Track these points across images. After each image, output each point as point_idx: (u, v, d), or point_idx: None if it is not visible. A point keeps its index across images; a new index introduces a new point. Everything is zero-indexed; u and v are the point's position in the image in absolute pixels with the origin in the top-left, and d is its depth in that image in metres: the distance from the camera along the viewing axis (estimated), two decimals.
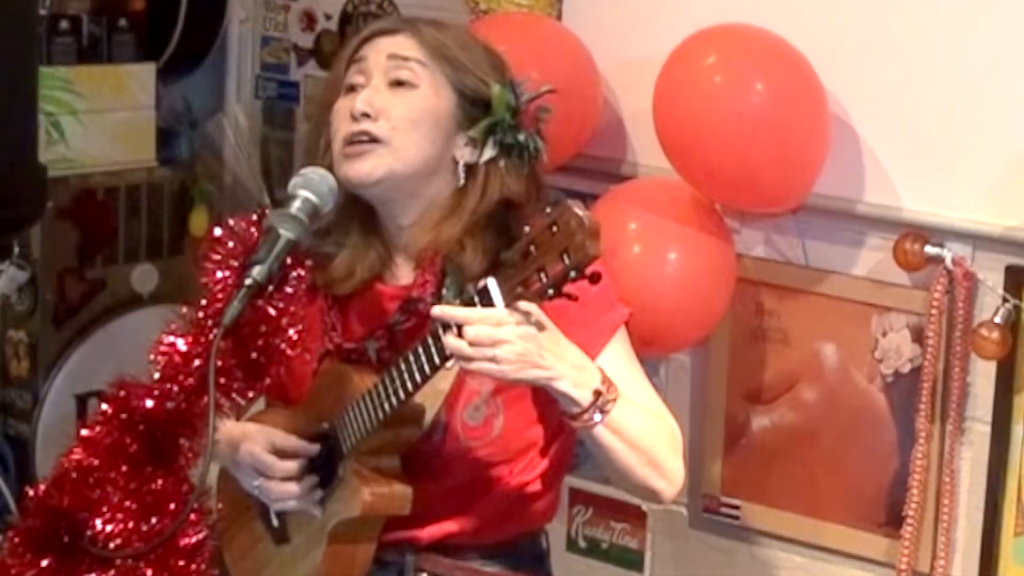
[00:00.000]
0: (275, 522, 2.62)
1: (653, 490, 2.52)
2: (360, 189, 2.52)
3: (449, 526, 2.56)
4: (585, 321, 2.40)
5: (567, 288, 2.22)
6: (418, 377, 2.38)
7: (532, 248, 2.23)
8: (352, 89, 2.55)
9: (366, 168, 2.50)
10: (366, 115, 2.50)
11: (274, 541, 2.64)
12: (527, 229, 2.26)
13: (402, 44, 2.54)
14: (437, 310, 2.34)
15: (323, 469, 2.53)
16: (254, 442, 2.53)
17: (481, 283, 2.30)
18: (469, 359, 2.31)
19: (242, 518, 2.66)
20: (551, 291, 2.23)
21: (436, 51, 2.53)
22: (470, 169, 2.54)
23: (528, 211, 2.50)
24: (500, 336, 2.29)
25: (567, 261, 2.20)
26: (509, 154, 2.53)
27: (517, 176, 2.54)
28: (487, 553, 2.59)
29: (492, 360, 2.30)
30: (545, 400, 2.49)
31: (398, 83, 2.52)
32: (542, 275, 2.22)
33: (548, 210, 2.24)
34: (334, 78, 2.60)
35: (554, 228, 2.21)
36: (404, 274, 2.58)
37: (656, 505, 3.33)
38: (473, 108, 2.54)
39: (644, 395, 2.54)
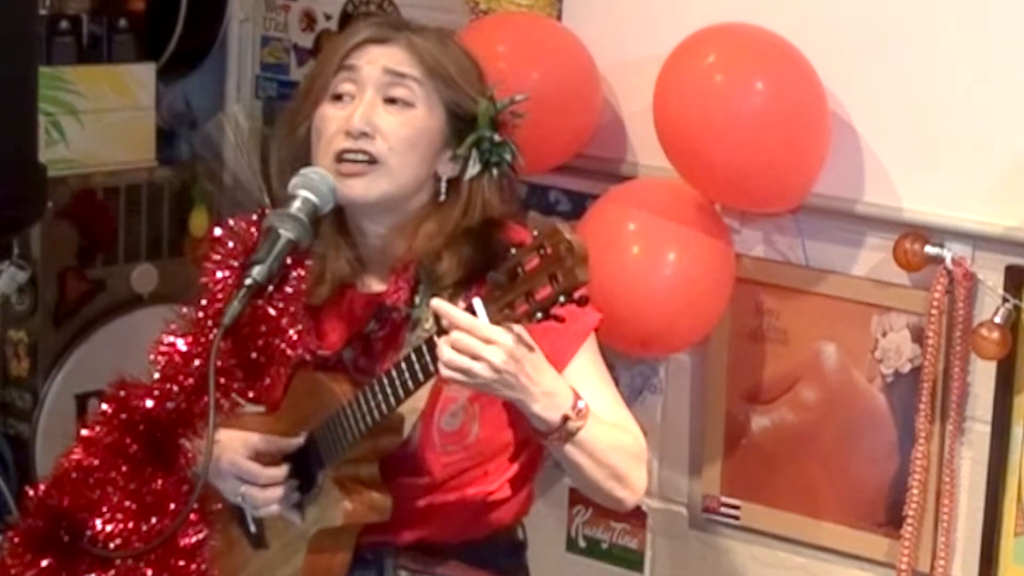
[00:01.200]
0: (252, 527, 2.63)
1: (616, 499, 2.54)
2: (350, 206, 2.52)
3: (425, 529, 2.57)
4: (556, 328, 2.36)
5: (555, 311, 2.22)
6: (401, 393, 2.40)
7: (519, 270, 2.23)
8: (339, 97, 2.53)
9: (360, 189, 2.49)
10: (364, 134, 2.48)
11: (252, 546, 2.65)
12: (513, 251, 2.26)
13: (398, 58, 2.52)
14: (436, 302, 2.33)
15: (302, 476, 2.54)
16: (234, 451, 2.54)
17: (466, 303, 2.30)
18: (448, 366, 2.31)
19: (218, 521, 2.65)
20: (539, 314, 2.23)
21: (432, 69, 2.52)
22: (452, 183, 2.53)
23: (507, 223, 2.51)
24: (483, 354, 2.29)
25: (556, 286, 2.19)
26: (491, 169, 2.52)
27: (500, 191, 2.53)
28: (464, 550, 2.60)
29: (467, 373, 2.31)
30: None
31: (392, 100, 2.51)
32: (530, 298, 2.22)
33: (536, 232, 2.23)
34: (321, 79, 2.56)
35: (543, 251, 2.20)
36: (375, 281, 2.57)
37: (649, 501, 3.34)
38: (459, 123, 2.52)
39: (610, 404, 2.54)
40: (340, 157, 2.49)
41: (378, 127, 2.49)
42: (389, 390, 2.40)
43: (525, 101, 2.55)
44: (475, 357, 2.29)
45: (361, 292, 2.57)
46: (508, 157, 2.52)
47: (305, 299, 2.52)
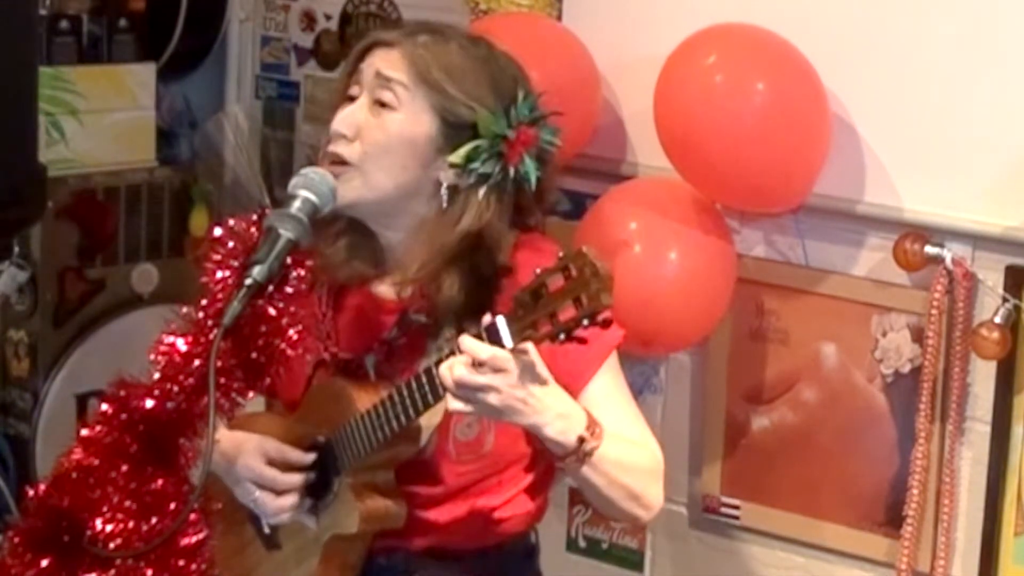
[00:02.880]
0: (267, 528, 2.63)
1: (633, 516, 2.53)
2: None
3: (437, 536, 2.57)
4: (576, 347, 2.33)
5: (578, 333, 2.21)
6: (420, 406, 2.39)
7: (543, 290, 2.22)
8: (351, 99, 2.53)
9: (338, 190, 2.47)
10: (343, 136, 2.48)
11: (265, 546, 2.65)
12: (538, 271, 2.24)
13: (390, 62, 2.50)
14: (465, 340, 2.30)
15: (317, 480, 2.54)
16: (251, 455, 2.53)
17: (489, 320, 2.29)
18: (453, 396, 2.30)
19: (232, 519, 2.65)
20: (562, 335, 2.22)
21: (420, 74, 2.48)
22: (454, 191, 2.50)
23: (503, 245, 2.47)
24: (488, 382, 2.28)
25: (580, 309, 2.19)
26: (487, 183, 2.48)
27: (498, 208, 2.49)
28: (477, 557, 2.60)
29: (472, 402, 2.30)
30: None
31: (380, 104, 2.50)
32: (553, 319, 2.21)
33: (561, 254, 2.22)
34: (339, 83, 2.58)
35: (568, 273, 2.20)
36: (392, 286, 2.56)
37: None
38: (458, 132, 2.49)
39: (630, 422, 2.54)
40: (323, 158, 2.51)
41: (358, 129, 2.49)
42: (408, 402, 2.40)
43: (552, 115, 2.53)
44: (479, 388, 2.29)
45: (383, 296, 2.57)
46: (497, 169, 2.47)
47: (327, 275, 2.54)
